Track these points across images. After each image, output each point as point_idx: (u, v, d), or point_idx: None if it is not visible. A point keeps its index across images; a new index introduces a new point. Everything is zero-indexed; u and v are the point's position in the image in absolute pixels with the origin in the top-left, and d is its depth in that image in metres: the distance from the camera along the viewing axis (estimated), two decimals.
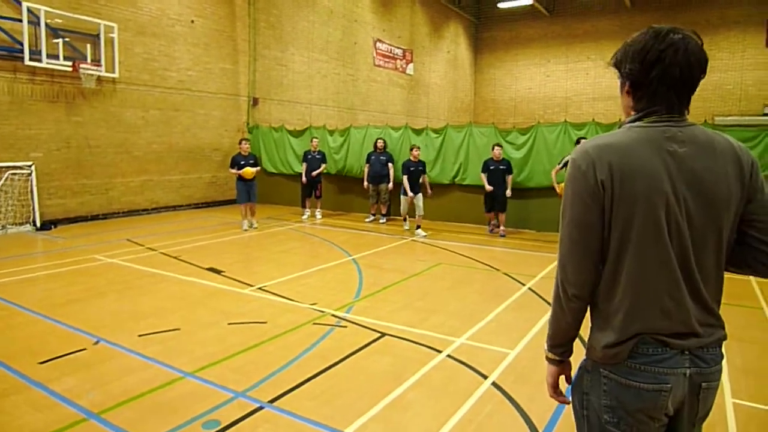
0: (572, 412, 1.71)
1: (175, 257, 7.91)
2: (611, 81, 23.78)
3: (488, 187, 9.86)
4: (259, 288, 6.37)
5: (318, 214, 12.20)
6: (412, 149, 10.47)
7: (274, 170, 14.05)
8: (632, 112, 1.59)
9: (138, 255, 8.04)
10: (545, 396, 3.73)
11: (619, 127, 1.60)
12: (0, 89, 9.65)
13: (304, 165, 11.94)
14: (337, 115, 18.39)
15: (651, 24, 1.56)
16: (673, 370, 1.48)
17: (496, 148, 9.96)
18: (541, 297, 6.21)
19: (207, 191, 13.89)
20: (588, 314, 1.66)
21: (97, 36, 10.82)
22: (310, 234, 10.25)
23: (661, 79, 1.48)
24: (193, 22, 13.10)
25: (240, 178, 10.11)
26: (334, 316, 5.41)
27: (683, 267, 1.49)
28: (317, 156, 11.91)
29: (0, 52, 9.52)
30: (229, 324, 5.12)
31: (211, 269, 7.21)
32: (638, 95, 1.56)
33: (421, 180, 10.37)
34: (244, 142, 10.45)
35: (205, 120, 13.71)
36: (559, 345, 1.70)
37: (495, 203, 10.11)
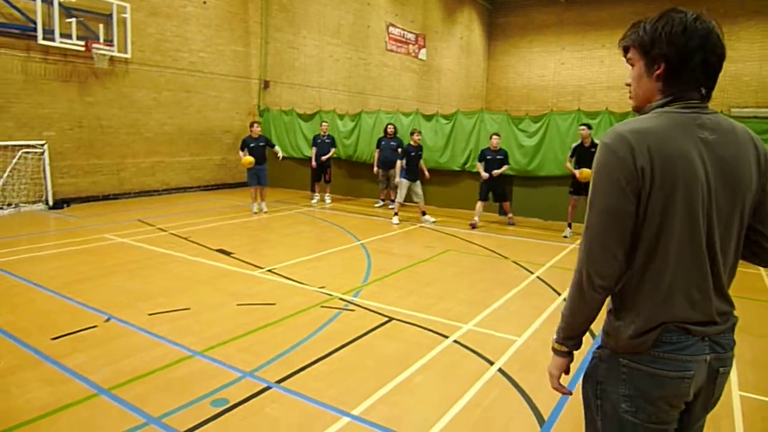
0: (581, 401, 1.71)
1: (185, 238, 7.96)
2: (625, 69, 23.41)
3: (484, 174, 9.65)
4: (268, 270, 6.41)
5: (327, 198, 12.21)
6: (413, 134, 10.22)
7: (284, 154, 14.02)
8: (658, 96, 1.54)
9: (149, 235, 8.11)
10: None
11: (645, 112, 1.55)
12: (13, 68, 9.70)
13: (314, 149, 11.95)
14: (348, 100, 18.32)
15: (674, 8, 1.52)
16: (695, 357, 1.48)
17: (494, 137, 9.76)
18: (549, 285, 6.20)
19: (217, 173, 13.94)
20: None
21: (110, 16, 10.81)
22: (319, 218, 10.27)
23: (703, 65, 1.46)
24: (205, 2, 13.05)
25: (254, 160, 10.13)
26: (342, 299, 5.44)
27: (711, 257, 1.48)
28: (327, 140, 11.90)
29: (13, 30, 9.55)
30: (238, 305, 5.16)
31: (221, 251, 7.26)
32: (673, 80, 1.50)
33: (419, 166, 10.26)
34: (255, 125, 10.47)
35: (216, 102, 13.71)
36: (572, 337, 1.66)
37: (493, 194, 9.89)
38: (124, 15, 11.03)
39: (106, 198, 11.38)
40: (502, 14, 27.19)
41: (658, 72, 1.51)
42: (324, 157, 11.79)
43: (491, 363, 4.05)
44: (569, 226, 9.26)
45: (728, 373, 1.57)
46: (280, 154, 10.87)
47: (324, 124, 12.13)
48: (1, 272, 5.97)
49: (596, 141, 8.46)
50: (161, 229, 8.55)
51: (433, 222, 10.00)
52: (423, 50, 22.62)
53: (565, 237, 9.04)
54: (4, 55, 9.54)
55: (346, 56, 18.29)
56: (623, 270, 1.51)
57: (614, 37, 23.50)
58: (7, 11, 9.43)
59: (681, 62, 1.46)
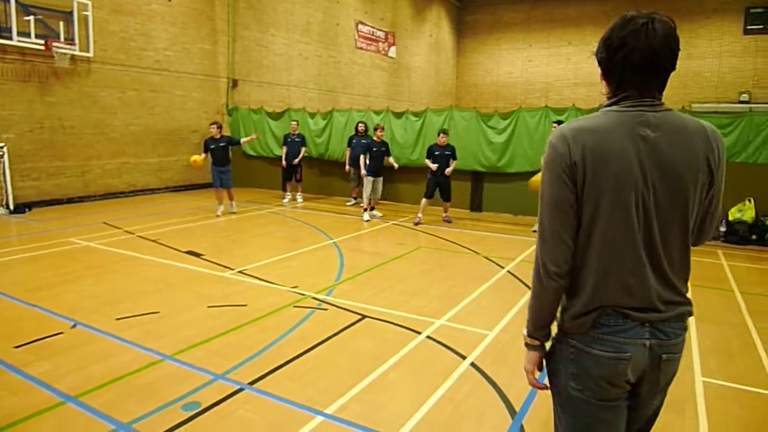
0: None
1: (153, 240, 7.81)
2: (592, 67, 23.90)
3: (433, 166, 9.57)
4: (239, 271, 6.34)
5: (299, 197, 12.15)
6: (376, 129, 10.23)
7: (253, 153, 13.90)
8: (607, 97, 1.65)
9: (116, 238, 7.93)
10: (522, 376, 3.81)
11: (596, 111, 1.65)
12: None
13: (284, 148, 11.86)
14: (318, 98, 18.22)
15: (631, 10, 1.57)
16: (633, 341, 1.57)
17: (441, 135, 9.68)
18: (519, 279, 6.30)
19: (185, 174, 13.70)
20: None
21: (71, 13, 10.51)
22: (290, 218, 10.20)
23: (624, 64, 1.54)
24: (170, 0, 12.80)
25: (213, 162, 9.99)
26: (314, 298, 5.42)
27: (648, 247, 1.56)
28: (297, 139, 11.82)
29: None
30: (209, 307, 5.10)
31: (191, 252, 7.15)
32: (609, 81, 1.63)
33: (384, 162, 10.26)
34: (214, 125, 10.21)
35: (183, 101, 13.47)
36: (541, 327, 1.73)
37: (440, 191, 9.82)
38: (85, 12, 10.74)
39: (70, 201, 11.08)
40: (470, 12, 27.40)
41: (600, 75, 1.67)
42: (296, 160, 11.73)
43: (463, 357, 4.10)
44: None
45: (675, 360, 1.64)
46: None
47: (293, 122, 12.04)
48: None
49: None
50: (128, 232, 8.37)
51: (381, 216, 10.25)
52: (393, 48, 22.64)
53: (535, 231, 9.16)
54: None
55: (316, 54, 18.18)
56: (572, 257, 1.61)
57: (580, 34, 24.06)
58: None
59: (607, 62, 1.59)
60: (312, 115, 13.14)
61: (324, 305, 5.24)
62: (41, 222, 9.06)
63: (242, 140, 10.92)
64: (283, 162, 11.88)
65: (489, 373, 3.84)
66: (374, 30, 21.23)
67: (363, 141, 11.01)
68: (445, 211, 10.20)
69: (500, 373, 3.85)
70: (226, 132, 13.64)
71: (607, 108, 1.61)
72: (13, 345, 4.11)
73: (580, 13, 24.03)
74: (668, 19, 1.52)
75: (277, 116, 13.65)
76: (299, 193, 12.21)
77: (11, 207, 9.82)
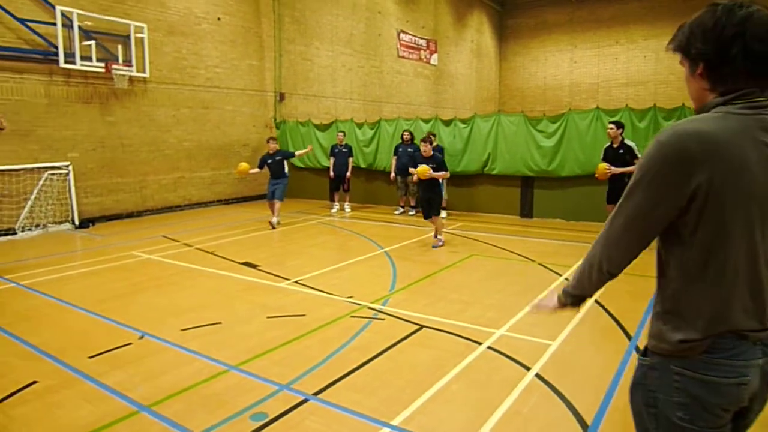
0: (628, 406, 1.67)
1: (210, 252, 8.03)
2: (641, 65, 23.23)
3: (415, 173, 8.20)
4: (295, 281, 6.42)
5: (347, 207, 12.28)
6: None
7: (302, 165, 14.13)
8: (710, 95, 1.48)
9: (175, 251, 8.19)
10: (591, 387, 3.69)
11: (706, 111, 1.47)
12: (37, 92, 9.90)
13: (332, 159, 12.06)
14: (362, 108, 18.38)
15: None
16: (750, 362, 1.45)
17: (423, 144, 8.29)
18: None
19: (237, 187, 14.05)
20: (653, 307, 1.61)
21: (128, 37, 10.99)
22: (339, 227, 10.29)
23: (744, 55, 1.37)
24: (219, 19, 13.22)
25: (270, 176, 10.19)
26: (370, 308, 5.42)
27: (766, 266, 1.45)
28: (344, 150, 12.01)
29: (36, 55, 9.76)
30: (268, 317, 5.18)
31: (247, 263, 7.30)
32: (717, 76, 1.45)
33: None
34: (271, 141, 10.49)
35: (233, 116, 13.85)
36: (574, 296, 1.74)
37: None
38: (141, 35, 11.21)
39: (129, 215, 11.53)
40: (512, 16, 27.13)
41: (699, 71, 1.47)
42: (348, 174, 11.95)
43: (528, 368, 4.00)
44: None
45: None
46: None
47: (340, 134, 12.22)
48: (34, 292, 6.07)
49: (627, 142, 8.01)
50: (186, 245, 8.63)
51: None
52: (434, 55, 22.64)
53: None
54: (28, 80, 9.75)
55: (359, 65, 18.37)
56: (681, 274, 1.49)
57: (627, 33, 23.40)
58: (29, 37, 9.65)
59: (718, 57, 1.41)
60: (359, 126, 13.26)
61: (380, 315, 5.23)
62: (104, 236, 9.46)
63: (297, 153, 11.19)
64: (331, 173, 12.05)
65: (556, 385, 3.74)
66: (416, 38, 21.29)
67: (409, 149, 11.03)
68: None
69: (567, 384, 3.74)
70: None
71: (723, 108, 1.42)
72: (87, 355, 4.28)
73: (624, 11, 23.41)
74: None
75: (324, 128, 13.85)
76: (347, 203, 12.33)
77: (77, 222, 10.31)
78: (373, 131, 12.92)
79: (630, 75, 23.58)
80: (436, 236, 8.51)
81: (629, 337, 4.61)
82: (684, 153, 1.36)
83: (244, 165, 9.96)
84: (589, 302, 5.51)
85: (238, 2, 13.74)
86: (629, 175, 7.26)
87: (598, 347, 4.49)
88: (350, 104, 17.95)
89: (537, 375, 3.90)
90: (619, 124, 8.05)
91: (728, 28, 1.38)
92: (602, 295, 5.72)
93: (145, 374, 3.94)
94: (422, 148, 8.29)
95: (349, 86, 17.95)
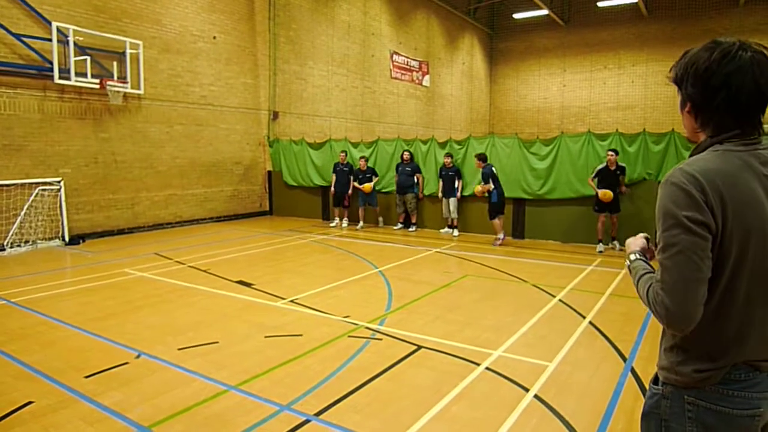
0: (632, 427, 1.68)
1: (204, 270, 7.99)
2: (629, 90, 23.73)
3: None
4: (291, 300, 6.41)
5: (345, 222, 12.68)
6: (446, 156, 11.31)
7: (294, 183, 14.15)
8: (700, 134, 1.54)
9: (168, 268, 8.14)
10: (590, 408, 3.72)
11: (702, 150, 1.51)
12: (30, 107, 9.88)
13: (334, 176, 12.46)
14: (355, 128, 18.52)
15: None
16: (764, 394, 1.47)
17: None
18: (572, 308, 6.18)
19: (229, 204, 14.03)
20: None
21: (123, 53, 11.05)
22: (334, 246, 10.30)
23: (727, 106, 1.42)
24: (215, 38, 13.33)
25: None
26: (368, 328, 5.42)
27: None
28: (345, 168, 12.36)
29: (30, 71, 9.76)
30: (266, 337, 5.15)
31: (241, 282, 7.28)
32: (702, 119, 1.50)
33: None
34: (363, 159, 11.99)
35: (226, 134, 13.89)
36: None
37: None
38: (136, 52, 11.26)
39: (120, 232, 11.46)
40: (503, 39, 27.63)
41: (687, 110, 1.52)
42: (349, 192, 12.35)
43: (526, 390, 4.02)
44: (600, 242, 9.66)
45: None
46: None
47: (342, 153, 12.56)
48: (26, 310, 5.99)
49: (620, 164, 9.44)
50: (179, 262, 8.58)
51: (456, 235, 10.20)
52: (426, 77, 22.94)
53: (600, 252, 9.51)
54: (21, 95, 9.74)
55: (353, 85, 18.56)
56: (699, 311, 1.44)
57: (617, 58, 23.94)
58: (24, 52, 9.66)
59: (703, 102, 1.45)
60: (355, 145, 13.35)
61: (378, 335, 5.23)
62: (95, 253, 9.37)
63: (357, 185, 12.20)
64: (332, 188, 12.48)
65: (555, 406, 3.76)
66: (408, 60, 21.58)
67: (407, 168, 11.65)
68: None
69: (566, 405, 3.77)
70: (267, 163, 14.13)
71: (721, 147, 1.47)
72: (83, 375, 4.23)
73: (614, 36, 23.99)
74: (760, 46, 1.43)
75: (318, 146, 13.91)
76: (345, 219, 12.71)
77: (66, 239, 10.21)
78: (370, 150, 13.02)
79: (619, 99, 24.06)
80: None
81: (624, 359, 4.65)
82: (696, 183, 1.39)
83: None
84: (584, 323, 5.58)
85: (234, 21, 13.87)
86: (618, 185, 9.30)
87: (595, 368, 4.53)
88: (344, 123, 18.08)
89: (536, 396, 3.92)
90: (616, 152, 9.44)
91: (716, 77, 1.40)
92: (596, 317, 5.78)
93: (144, 394, 3.90)
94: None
95: (342, 106, 18.11)
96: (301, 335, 5.20)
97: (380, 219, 12.75)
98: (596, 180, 9.46)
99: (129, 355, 4.65)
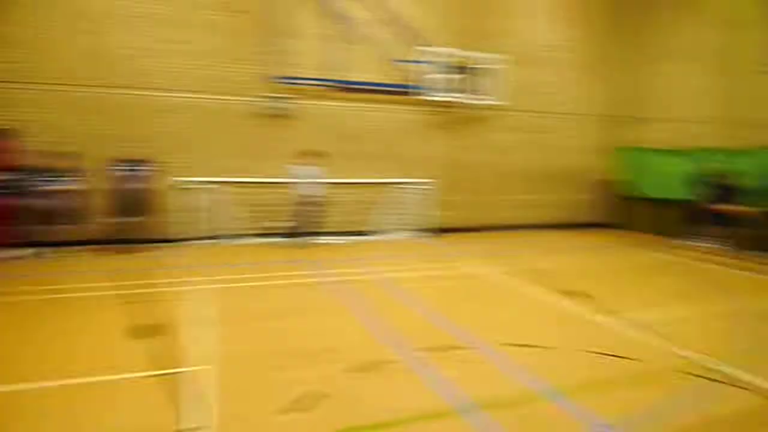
0: None
1: (547, 275, 8.26)
2: None
3: None
4: (631, 320, 6.06)
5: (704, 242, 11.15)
6: None
7: (648, 195, 13.12)
8: None
9: (508, 268, 8.73)
10: None
11: None
12: (404, 119, 11.98)
13: (702, 190, 11.16)
14: (715, 132, 15.83)
15: None
16: None
17: None
18: None
19: (571, 212, 14.09)
20: None
21: (481, 69, 12.10)
22: (696, 266, 9.33)
23: None
24: (559, 46, 13.52)
25: None
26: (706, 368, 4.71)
27: None
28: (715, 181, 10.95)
29: (402, 90, 11.70)
30: (592, 352, 5.05)
31: (578, 292, 7.23)
32: None
33: None
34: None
35: (568, 141, 13.97)
36: None
37: None
38: (493, 67, 12.13)
39: (469, 230, 12.70)
40: None
41: None
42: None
43: None
44: None
45: None
46: None
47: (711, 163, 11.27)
48: (392, 285, 7.36)
49: None
50: (520, 267, 9.01)
51: None
52: None
53: None
54: (394, 110, 11.88)
55: (714, 83, 15.87)
56: None
57: None
58: (396, 74, 11.71)
59: None
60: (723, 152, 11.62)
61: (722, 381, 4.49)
62: (449, 245, 10.77)
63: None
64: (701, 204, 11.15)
65: None
66: None
67: None
68: None
69: None
70: (607, 172, 13.51)
71: None
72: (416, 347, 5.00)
73: None
74: None
75: (681, 153, 12.61)
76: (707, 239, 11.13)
77: (428, 230, 11.84)
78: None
79: None
80: None
81: None
82: None
83: None
84: None
85: (572, 29, 13.77)
86: None
87: None
88: (700, 127, 15.65)
89: None
90: None
91: None
92: None
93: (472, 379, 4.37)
94: None
95: (700, 107, 15.69)
96: (638, 360, 4.88)
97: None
98: None
99: (461, 341, 5.24)
